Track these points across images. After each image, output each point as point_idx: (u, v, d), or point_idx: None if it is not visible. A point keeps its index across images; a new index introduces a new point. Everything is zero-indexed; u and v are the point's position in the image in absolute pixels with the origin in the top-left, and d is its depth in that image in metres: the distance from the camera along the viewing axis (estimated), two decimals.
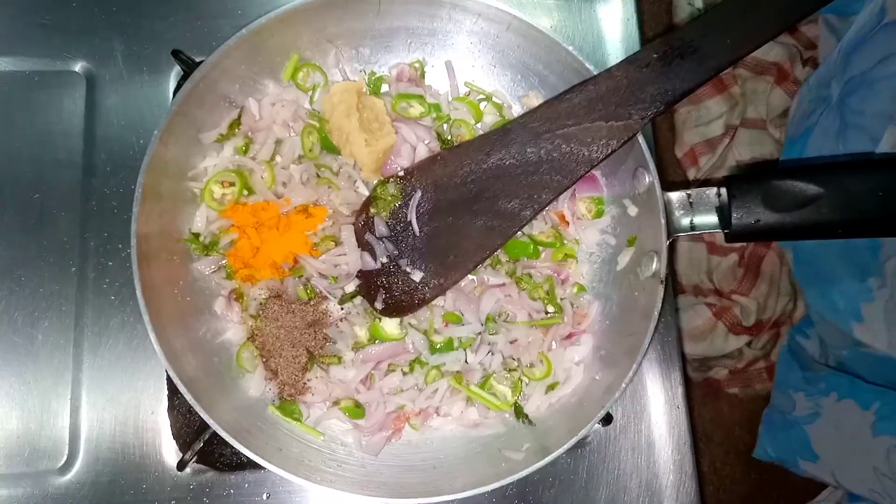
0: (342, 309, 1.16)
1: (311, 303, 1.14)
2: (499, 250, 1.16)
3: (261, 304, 1.14)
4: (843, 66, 1.90)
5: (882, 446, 1.84)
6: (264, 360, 1.12)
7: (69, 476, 1.15)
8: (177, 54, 1.21)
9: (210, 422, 0.99)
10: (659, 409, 1.27)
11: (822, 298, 2.01)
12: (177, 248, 1.13)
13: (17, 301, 1.20)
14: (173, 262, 1.12)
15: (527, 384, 1.18)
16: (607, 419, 1.20)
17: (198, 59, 1.22)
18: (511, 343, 1.18)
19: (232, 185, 1.16)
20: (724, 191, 1.03)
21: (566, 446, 1.02)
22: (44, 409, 1.17)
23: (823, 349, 2.12)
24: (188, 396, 0.99)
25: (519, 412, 1.16)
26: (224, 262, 1.16)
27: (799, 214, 0.99)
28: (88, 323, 1.20)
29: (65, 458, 1.16)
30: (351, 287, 1.16)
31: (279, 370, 1.11)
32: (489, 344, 1.17)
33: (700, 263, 2.32)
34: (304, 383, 1.12)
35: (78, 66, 1.28)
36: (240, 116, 1.18)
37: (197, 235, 1.15)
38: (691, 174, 2.37)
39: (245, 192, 1.16)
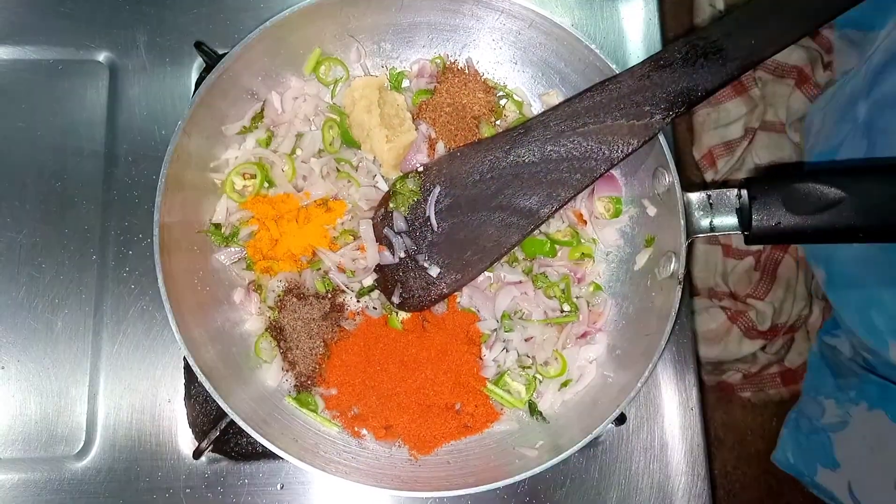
0: (359, 302, 1.17)
1: (329, 295, 1.15)
2: (516, 248, 1.16)
3: (279, 295, 1.15)
4: (870, 87, 1.85)
5: None
6: (282, 351, 1.13)
7: (85, 462, 1.17)
8: (199, 46, 1.22)
9: (228, 410, 1.00)
10: (672, 410, 1.27)
11: (857, 316, 1.94)
12: (197, 239, 1.14)
13: (38, 288, 1.21)
14: (194, 252, 1.13)
15: (541, 382, 1.18)
16: (621, 419, 1.19)
17: (220, 52, 1.23)
18: (526, 340, 1.18)
19: (253, 177, 1.17)
20: (744, 192, 1.02)
21: (579, 445, 1.02)
22: (62, 395, 1.19)
23: (854, 348, 2.05)
24: (207, 385, 1.00)
25: (533, 409, 1.16)
26: (244, 253, 1.17)
27: (820, 218, 0.98)
28: (107, 311, 1.21)
29: (82, 444, 1.17)
30: (368, 281, 1.17)
31: (296, 361, 1.12)
32: (504, 341, 1.17)
33: (715, 266, 2.30)
34: (321, 375, 1.13)
35: (101, 56, 1.30)
36: (262, 109, 1.19)
37: (218, 226, 1.16)
38: (709, 176, 2.36)
39: (266, 185, 1.17)
